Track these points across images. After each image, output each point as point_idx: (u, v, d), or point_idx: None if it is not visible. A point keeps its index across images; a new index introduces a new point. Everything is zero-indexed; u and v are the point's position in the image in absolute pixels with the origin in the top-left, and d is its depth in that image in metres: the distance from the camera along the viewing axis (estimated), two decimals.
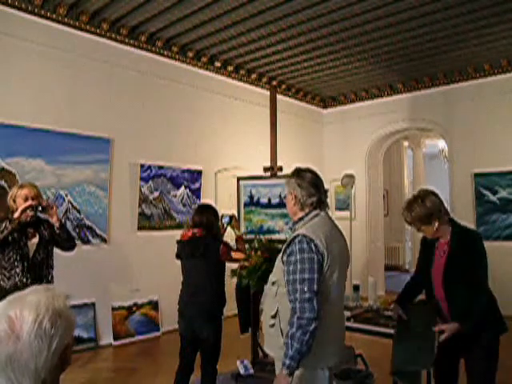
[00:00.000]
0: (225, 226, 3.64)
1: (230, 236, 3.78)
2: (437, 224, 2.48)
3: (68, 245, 3.37)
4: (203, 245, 3.25)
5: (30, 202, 3.06)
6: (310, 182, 2.19)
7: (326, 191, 2.24)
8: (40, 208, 3.11)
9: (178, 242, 3.43)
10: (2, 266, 3.08)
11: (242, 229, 4.43)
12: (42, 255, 3.20)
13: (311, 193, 2.17)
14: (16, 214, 3.01)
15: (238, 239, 3.57)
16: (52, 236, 3.26)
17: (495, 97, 6.97)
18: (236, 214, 4.15)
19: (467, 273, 2.44)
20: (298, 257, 2.00)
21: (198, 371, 3.45)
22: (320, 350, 2.03)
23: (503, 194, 6.78)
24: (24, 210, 3.02)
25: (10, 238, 3.04)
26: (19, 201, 3.13)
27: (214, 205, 3.66)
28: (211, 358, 3.39)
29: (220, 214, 3.61)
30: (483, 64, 6.91)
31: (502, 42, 6.08)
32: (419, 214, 2.47)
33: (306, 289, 1.94)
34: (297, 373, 1.98)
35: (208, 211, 3.41)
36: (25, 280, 3.06)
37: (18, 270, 3.07)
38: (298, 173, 2.24)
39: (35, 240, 3.21)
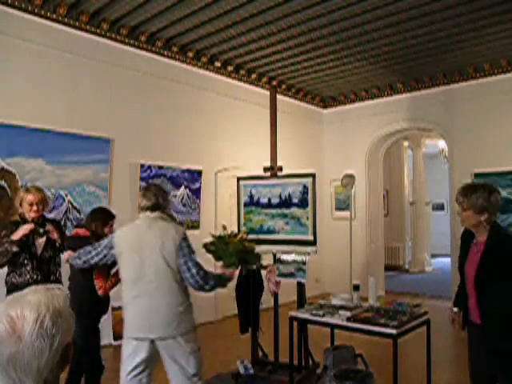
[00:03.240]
0: None
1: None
2: (485, 217, 2.50)
3: None
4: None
5: (30, 227, 3.25)
6: (150, 192, 2.80)
7: (159, 199, 2.79)
8: (41, 231, 3.33)
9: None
10: (13, 265, 3.30)
11: (243, 228, 4.43)
12: (50, 253, 3.41)
13: (143, 200, 2.78)
14: (15, 236, 3.21)
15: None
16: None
17: (495, 97, 6.97)
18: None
19: (503, 275, 2.45)
20: None
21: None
22: (127, 322, 2.73)
23: (503, 194, 6.76)
24: (24, 234, 3.23)
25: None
26: (25, 205, 3.34)
27: (110, 209, 3.66)
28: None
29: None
30: (483, 64, 6.91)
31: (501, 41, 6.09)
32: (480, 201, 2.49)
33: None
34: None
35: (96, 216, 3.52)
36: (35, 277, 3.30)
37: (28, 268, 3.29)
38: (146, 185, 2.97)
39: (43, 239, 3.40)
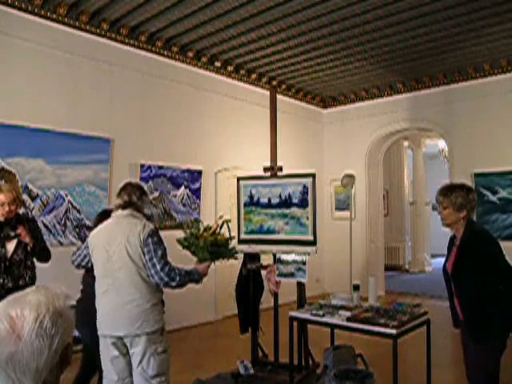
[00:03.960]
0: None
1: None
2: (463, 214, 2.62)
3: (41, 260, 3.40)
4: None
5: None
6: (124, 191, 2.81)
7: (133, 197, 2.79)
8: (12, 234, 3.17)
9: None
10: None
11: (243, 228, 4.43)
12: (21, 256, 3.20)
13: (117, 198, 2.82)
14: None
15: None
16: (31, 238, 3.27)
17: (495, 97, 6.97)
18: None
19: (475, 269, 2.51)
20: None
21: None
22: (97, 319, 2.70)
23: (503, 194, 6.78)
24: None
25: None
26: None
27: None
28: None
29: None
30: (483, 64, 6.91)
31: (502, 41, 6.09)
32: (459, 199, 2.63)
33: None
34: None
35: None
36: (2, 280, 3.08)
37: None
38: (123, 184, 2.88)
39: (14, 242, 3.20)
